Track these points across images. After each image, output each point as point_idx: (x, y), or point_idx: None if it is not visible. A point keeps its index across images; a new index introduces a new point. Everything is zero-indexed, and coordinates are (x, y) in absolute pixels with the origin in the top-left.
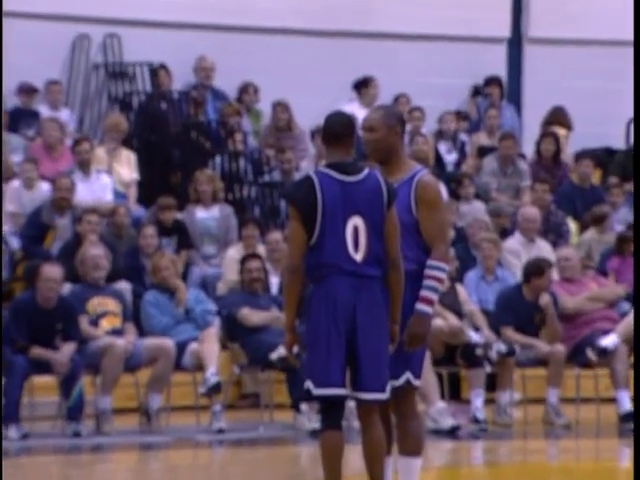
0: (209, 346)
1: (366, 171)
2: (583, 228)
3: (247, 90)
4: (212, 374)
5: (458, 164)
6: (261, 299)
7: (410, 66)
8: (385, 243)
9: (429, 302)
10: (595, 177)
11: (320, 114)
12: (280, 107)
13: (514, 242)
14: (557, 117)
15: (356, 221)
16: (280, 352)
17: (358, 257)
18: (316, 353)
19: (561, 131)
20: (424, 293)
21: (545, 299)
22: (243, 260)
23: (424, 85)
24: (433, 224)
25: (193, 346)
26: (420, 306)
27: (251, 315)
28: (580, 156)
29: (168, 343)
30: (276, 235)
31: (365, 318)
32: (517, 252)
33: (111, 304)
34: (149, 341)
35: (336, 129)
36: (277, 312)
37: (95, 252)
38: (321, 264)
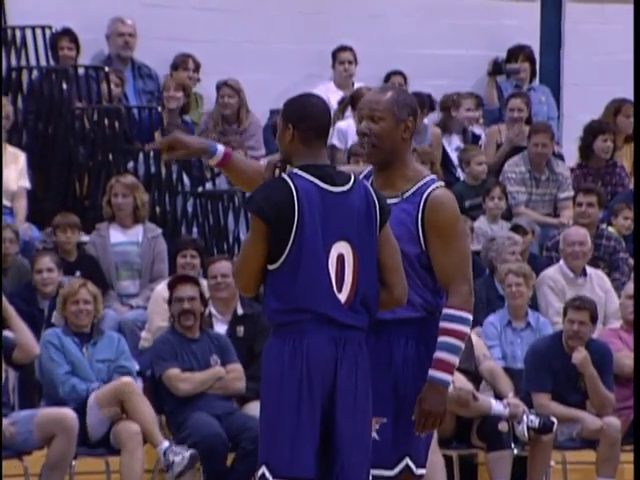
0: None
1: (352, 180)
2: None
3: (185, 65)
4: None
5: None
6: (196, 344)
7: (403, 34)
8: (387, 276)
9: (448, 367)
10: None
11: (281, 100)
12: (228, 89)
13: (555, 274)
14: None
15: (342, 248)
16: None
17: (342, 298)
18: (278, 429)
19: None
20: (441, 355)
21: (581, 354)
22: (171, 285)
23: (422, 59)
24: (451, 258)
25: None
26: (435, 373)
27: (180, 380)
28: None
29: (67, 414)
30: (223, 265)
31: (348, 385)
32: (561, 289)
33: None
34: (42, 413)
35: (326, 120)
36: (219, 366)
37: None
38: (291, 306)
